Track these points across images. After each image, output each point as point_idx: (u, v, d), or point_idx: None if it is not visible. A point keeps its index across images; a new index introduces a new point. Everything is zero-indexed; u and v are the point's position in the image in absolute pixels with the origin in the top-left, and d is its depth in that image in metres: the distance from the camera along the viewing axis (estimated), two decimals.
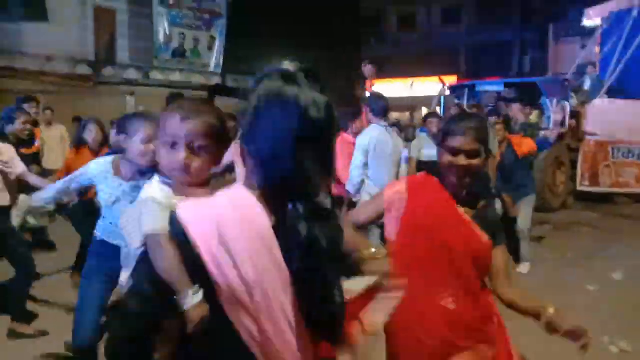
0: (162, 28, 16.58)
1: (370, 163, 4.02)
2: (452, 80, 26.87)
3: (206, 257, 1.06)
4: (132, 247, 1.47)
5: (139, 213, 1.38)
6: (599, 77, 10.58)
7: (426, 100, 24.07)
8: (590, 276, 5.55)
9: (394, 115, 31.36)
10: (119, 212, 2.49)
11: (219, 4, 18.00)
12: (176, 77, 17.04)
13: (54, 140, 8.54)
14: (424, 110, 26.95)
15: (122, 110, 16.17)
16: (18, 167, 4.08)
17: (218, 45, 18.23)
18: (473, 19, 27.54)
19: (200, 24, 17.57)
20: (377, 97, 4.39)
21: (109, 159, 2.81)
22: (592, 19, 11.56)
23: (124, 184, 2.69)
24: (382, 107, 4.17)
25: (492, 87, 9.30)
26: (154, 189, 1.47)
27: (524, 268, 5.75)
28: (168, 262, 1.16)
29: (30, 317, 4.31)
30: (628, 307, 4.77)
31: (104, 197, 2.72)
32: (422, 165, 5.11)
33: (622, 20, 10.40)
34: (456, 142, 1.88)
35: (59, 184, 3.05)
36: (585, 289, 5.23)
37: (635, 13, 10.05)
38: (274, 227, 1.10)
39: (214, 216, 1.09)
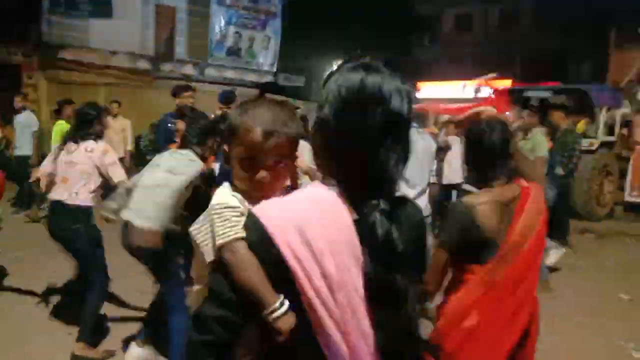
0: (218, 26, 17.13)
1: None
2: (507, 83, 26.42)
3: (289, 258, 1.01)
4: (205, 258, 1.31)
5: (210, 221, 1.24)
6: None
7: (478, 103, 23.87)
8: (625, 285, 5.51)
9: (445, 118, 31.07)
10: None
11: (274, 4, 18.40)
12: (230, 74, 17.54)
13: (113, 131, 9.02)
14: None
15: None
16: (117, 176, 3.83)
17: (273, 44, 18.66)
18: (530, 23, 26.95)
19: (255, 23, 18.02)
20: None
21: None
22: None
23: None
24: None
25: (540, 93, 9.21)
26: (225, 194, 1.28)
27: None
28: (249, 272, 1.08)
29: (100, 335, 4.00)
30: None
31: None
32: None
33: None
34: None
35: None
36: (617, 297, 5.21)
37: None
38: (355, 224, 1.05)
39: (294, 215, 1.04)
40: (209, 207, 1.27)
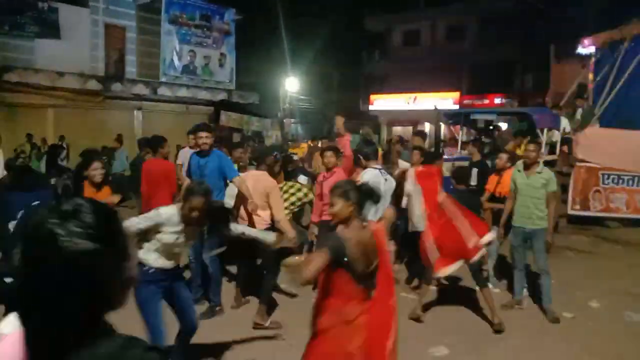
0: (171, 45, 17.04)
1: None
2: (455, 96, 27.25)
3: None
4: None
5: None
6: (592, 106, 10.93)
7: (428, 115, 24.46)
8: (569, 303, 5.79)
9: (397, 130, 31.72)
10: None
11: (227, 22, 18.45)
12: (183, 92, 17.46)
13: None
14: (427, 125, 27.32)
15: (130, 124, 16.62)
16: None
17: (229, 61, 18.72)
18: (476, 37, 27.93)
19: (210, 41, 18.02)
20: (367, 142, 4.76)
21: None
22: (586, 47, 11.91)
23: None
24: (374, 151, 4.52)
25: (485, 116, 9.62)
26: None
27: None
28: None
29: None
30: (601, 337, 5.04)
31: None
32: None
33: (613, 50, 10.76)
34: None
35: None
36: (562, 316, 5.49)
37: (626, 44, 10.39)
38: None
39: None
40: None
